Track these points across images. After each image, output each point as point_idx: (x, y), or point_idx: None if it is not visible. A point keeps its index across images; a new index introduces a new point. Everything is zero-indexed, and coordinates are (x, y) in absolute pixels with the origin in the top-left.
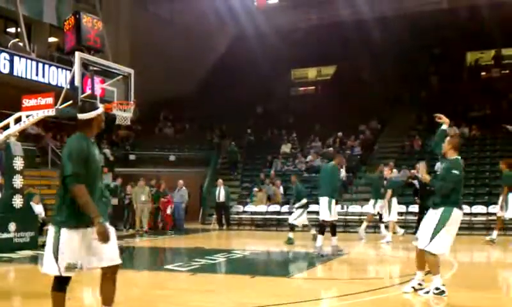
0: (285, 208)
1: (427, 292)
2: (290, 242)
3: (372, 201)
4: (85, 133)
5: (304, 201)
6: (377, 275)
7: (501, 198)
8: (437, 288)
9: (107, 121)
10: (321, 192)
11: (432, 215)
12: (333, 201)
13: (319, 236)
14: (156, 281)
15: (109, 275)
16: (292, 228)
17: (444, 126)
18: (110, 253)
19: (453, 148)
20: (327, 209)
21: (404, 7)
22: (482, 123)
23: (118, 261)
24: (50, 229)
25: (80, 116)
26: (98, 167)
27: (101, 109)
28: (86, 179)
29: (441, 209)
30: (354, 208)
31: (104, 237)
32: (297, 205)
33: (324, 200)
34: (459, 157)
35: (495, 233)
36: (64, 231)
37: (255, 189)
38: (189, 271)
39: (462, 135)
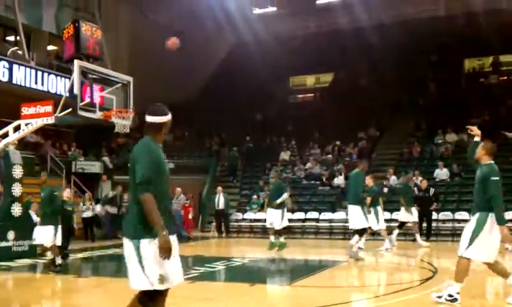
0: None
1: (440, 297)
2: (282, 246)
3: (404, 209)
4: (154, 137)
5: (285, 195)
6: (376, 283)
7: None
8: (450, 295)
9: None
10: (349, 200)
11: (470, 222)
12: (365, 209)
13: (357, 239)
14: None
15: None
16: (280, 233)
17: (476, 138)
18: (177, 272)
19: (487, 153)
20: (362, 217)
21: (401, 14)
22: (481, 130)
23: (181, 280)
24: (128, 242)
25: (150, 119)
26: (168, 174)
27: (170, 115)
28: (158, 186)
29: (477, 215)
30: None
31: (166, 252)
32: (279, 200)
33: (355, 209)
34: (493, 162)
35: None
36: (144, 242)
37: (254, 196)
38: (188, 279)
39: (461, 141)
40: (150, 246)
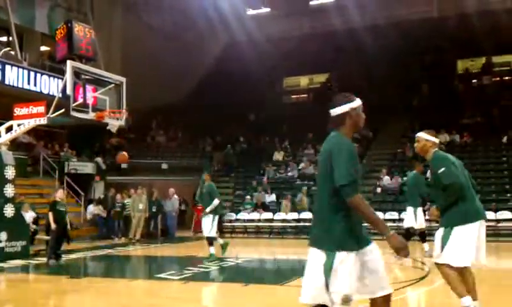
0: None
1: None
2: (212, 258)
3: None
4: (341, 132)
5: (216, 202)
6: None
7: None
8: None
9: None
10: (408, 201)
11: None
12: (419, 209)
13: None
14: (148, 289)
15: (381, 304)
16: (211, 242)
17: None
18: (381, 280)
19: None
20: (413, 217)
21: (394, 15)
22: (474, 130)
23: (390, 289)
24: (317, 252)
25: (331, 112)
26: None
27: (357, 102)
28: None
29: None
30: None
31: (404, 250)
32: (208, 209)
33: (410, 209)
34: None
35: None
36: (339, 256)
37: (248, 197)
38: (182, 280)
39: (453, 142)
40: (344, 260)
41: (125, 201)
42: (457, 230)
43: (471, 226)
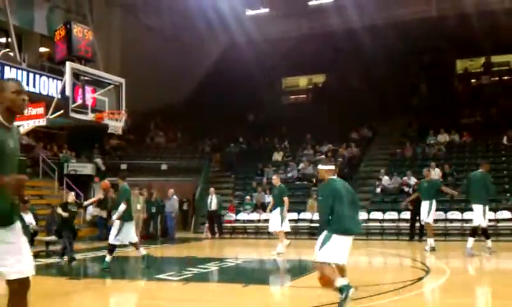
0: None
1: None
2: (107, 266)
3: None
4: None
5: (122, 207)
6: (368, 283)
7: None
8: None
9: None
10: (474, 199)
11: None
12: (487, 208)
13: (470, 239)
14: (148, 290)
15: None
16: (112, 249)
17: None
18: None
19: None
20: (481, 215)
21: (393, 15)
22: (473, 130)
23: None
24: None
25: None
26: None
27: None
28: None
29: None
30: None
31: None
32: (114, 217)
33: (478, 207)
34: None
35: (430, 241)
36: None
37: (247, 197)
38: (181, 280)
39: (453, 142)
40: None
41: None
42: (335, 237)
43: (345, 237)
